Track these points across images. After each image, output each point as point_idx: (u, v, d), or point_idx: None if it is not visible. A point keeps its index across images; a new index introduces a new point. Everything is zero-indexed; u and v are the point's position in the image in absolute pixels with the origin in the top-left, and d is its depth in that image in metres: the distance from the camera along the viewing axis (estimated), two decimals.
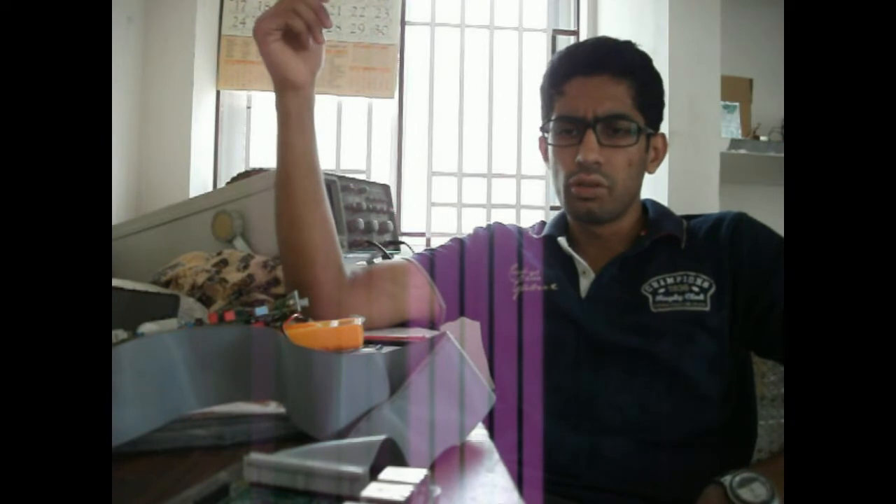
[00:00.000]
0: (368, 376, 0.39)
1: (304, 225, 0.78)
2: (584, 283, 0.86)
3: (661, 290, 0.81)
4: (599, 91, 0.83)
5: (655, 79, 0.88)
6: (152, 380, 0.36)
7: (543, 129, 0.90)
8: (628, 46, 0.87)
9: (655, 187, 1.57)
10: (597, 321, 0.82)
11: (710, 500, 0.66)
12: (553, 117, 0.86)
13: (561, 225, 0.93)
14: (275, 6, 0.73)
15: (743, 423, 0.84)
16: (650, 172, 0.90)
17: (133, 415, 0.34)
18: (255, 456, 0.29)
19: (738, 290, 0.80)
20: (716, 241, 0.83)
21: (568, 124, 0.84)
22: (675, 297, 0.80)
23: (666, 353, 0.78)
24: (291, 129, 0.77)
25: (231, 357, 0.39)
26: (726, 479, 0.65)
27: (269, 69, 0.76)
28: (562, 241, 0.89)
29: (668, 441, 0.77)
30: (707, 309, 0.79)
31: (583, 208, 0.84)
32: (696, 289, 0.80)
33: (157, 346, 0.37)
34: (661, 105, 0.89)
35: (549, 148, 0.88)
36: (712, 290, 0.80)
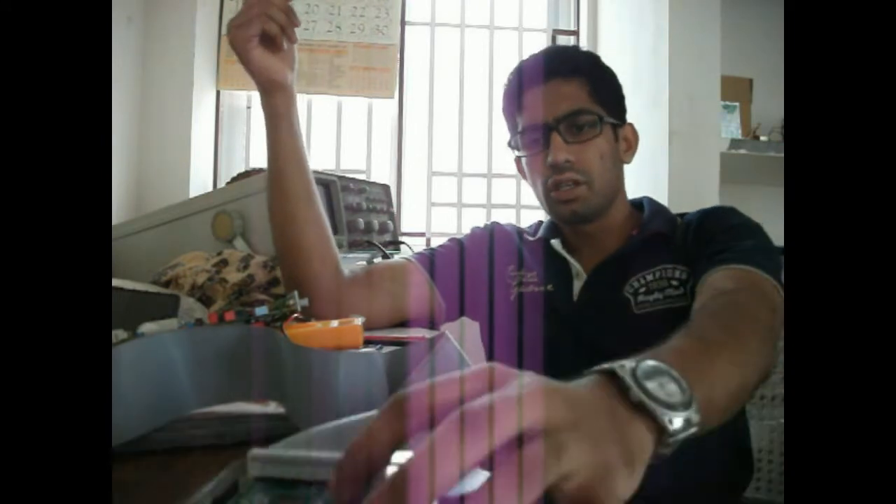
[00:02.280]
0: (368, 374, 0.39)
1: (298, 221, 0.79)
2: (577, 286, 0.86)
3: (642, 290, 0.81)
4: (554, 94, 0.86)
5: (608, 73, 0.90)
6: (153, 380, 0.36)
7: (513, 147, 0.92)
8: (573, 49, 0.93)
9: (656, 187, 1.57)
10: (589, 325, 0.82)
11: (595, 394, 0.34)
12: (518, 131, 0.89)
13: (554, 227, 0.93)
14: (244, 13, 0.75)
15: (738, 424, 0.84)
16: (626, 162, 0.91)
17: (134, 414, 0.34)
18: (258, 451, 0.29)
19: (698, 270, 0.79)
20: (688, 231, 0.84)
21: (533, 133, 0.87)
22: (656, 295, 0.80)
23: None
24: (282, 128, 0.79)
25: (231, 357, 0.39)
26: (625, 367, 0.35)
27: (253, 75, 0.77)
28: (555, 243, 0.90)
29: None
30: (688, 302, 0.79)
31: (566, 211, 0.86)
32: (675, 282, 0.80)
33: (157, 346, 0.37)
34: (619, 98, 0.91)
35: (523, 161, 0.90)
36: (691, 282, 0.80)
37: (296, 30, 0.78)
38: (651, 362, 0.36)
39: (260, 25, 0.74)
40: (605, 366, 0.36)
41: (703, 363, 0.44)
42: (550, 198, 0.86)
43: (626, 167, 0.92)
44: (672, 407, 0.34)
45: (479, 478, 0.25)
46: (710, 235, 0.80)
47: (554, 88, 0.86)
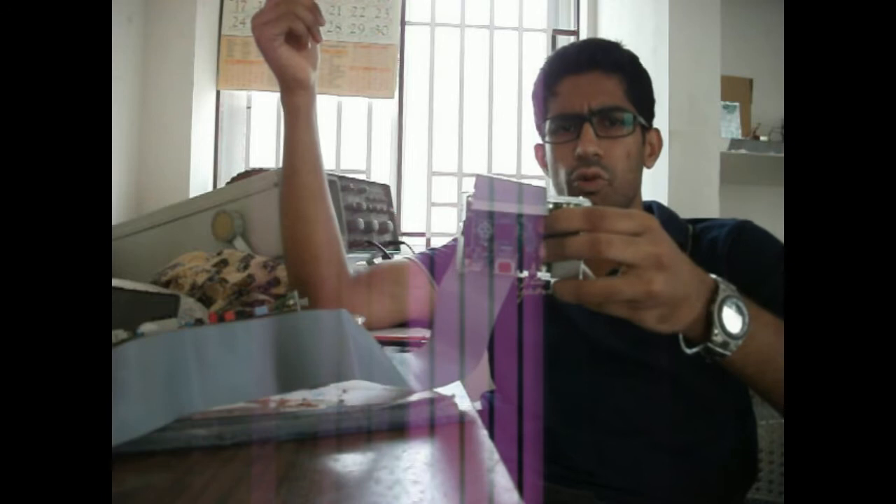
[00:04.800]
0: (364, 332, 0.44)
1: (309, 220, 0.80)
2: None
3: None
4: (593, 86, 0.84)
5: (644, 75, 0.89)
6: (159, 378, 0.36)
7: (539, 130, 0.90)
8: (616, 45, 0.90)
9: (655, 187, 1.57)
10: (597, 328, 0.81)
11: (703, 280, 0.54)
12: (549, 117, 0.87)
13: None
14: (270, 11, 0.75)
15: (745, 427, 0.84)
16: (647, 167, 0.90)
17: (138, 413, 0.34)
18: None
19: None
20: (715, 249, 0.82)
21: (564, 121, 0.85)
22: None
23: (666, 363, 0.77)
24: (300, 126, 0.79)
25: (242, 351, 0.39)
26: (730, 286, 0.54)
27: (277, 72, 0.78)
28: None
29: (671, 444, 0.77)
30: None
31: None
32: None
33: (164, 344, 0.37)
34: (651, 101, 0.90)
35: (547, 147, 0.88)
36: None
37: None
38: (740, 303, 0.53)
39: (287, 23, 0.74)
40: (714, 276, 0.54)
41: (775, 334, 0.56)
42: (572, 187, 0.85)
43: None
44: (726, 332, 0.52)
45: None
46: (750, 259, 0.79)
47: (593, 80, 0.85)
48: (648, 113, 0.89)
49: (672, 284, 0.48)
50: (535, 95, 0.91)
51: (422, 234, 1.93)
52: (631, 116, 0.84)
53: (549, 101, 0.88)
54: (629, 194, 0.86)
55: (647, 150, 0.90)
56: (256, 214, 0.98)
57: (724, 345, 0.53)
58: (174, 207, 1.07)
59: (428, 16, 2.00)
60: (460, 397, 0.46)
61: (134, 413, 0.34)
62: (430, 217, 1.94)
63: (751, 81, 1.86)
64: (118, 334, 0.50)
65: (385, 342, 0.72)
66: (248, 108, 1.94)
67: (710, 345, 0.53)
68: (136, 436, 0.34)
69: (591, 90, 0.84)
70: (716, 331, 0.52)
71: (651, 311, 0.49)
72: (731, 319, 0.53)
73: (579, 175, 0.83)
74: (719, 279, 0.54)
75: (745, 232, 0.83)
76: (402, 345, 0.72)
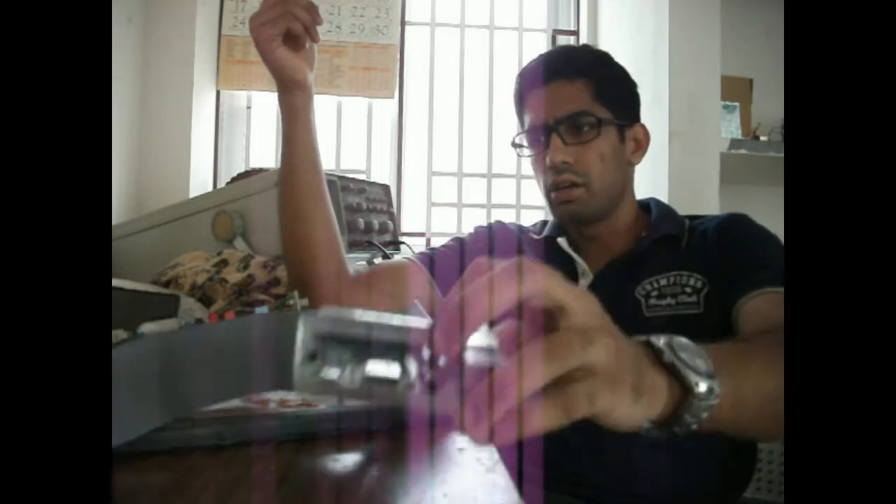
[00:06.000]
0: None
1: (307, 219, 0.80)
2: (583, 285, 0.85)
3: (654, 293, 0.80)
4: (556, 95, 0.85)
5: (617, 73, 0.90)
6: (159, 378, 0.36)
7: (517, 146, 0.92)
8: (580, 49, 0.91)
9: (655, 187, 1.57)
10: None
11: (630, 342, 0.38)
12: (522, 132, 0.90)
13: (560, 227, 0.93)
14: (268, 11, 0.75)
15: None
16: (634, 163, 0.90)
17: (138, 413, 0.34)
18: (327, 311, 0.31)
19: (723, 284, 0.79)
20: (706, 239, 0.83)
21: (535, 133, 0.87)
22: (668, 300, 0.80)
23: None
24: (298, 125, 0.80)
25: (235, 350, 0.39)
26: (659, 338, 0.40)
27: (274, 73, 0.78)
28: (561, 241, 0.89)
29: (670, 443, 0.76)
30: (700, 310, 0.78)
31: (565, 212, 0.86)
32: (688, 289, 0.80)
33: (164, 344, 0.37)
34: (628, 97, 0.90)
35: (530, 160, 0.90)
36: (705, 290, 0.79)
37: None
38: (684, 340, 0.39)
39: (285, 24, 0.75)
40: (640, 338, 0.39)
41: (736, 361, 0.44)
42: (551, 198, 0.87)
43: None
44: (699, 373, 0.38)
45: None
46: (737, 250, 0.79)
47: (556, 90, 0.86)
48: (627, 110, 0.89)
49: (609, 349, 0.33)
50: (515, 111, 0.94)
51: (422, 234, 1.93)
52: (597, 119, 0.84)
53: (522, 116, 0.91)
54: (612, 196, 0.86)
55: (632, 147, 0.89)
56: (256, 214, 0.98)
57: (710, 391, 0.39)
58: (174, 207, 1.07)
59: (428, 16, 2.00)
60: None
61: (134, 413, 0.34)
62: (430, 217, 1.94)
63: (751, 81, 1.86)
64: (118, 334, 0.50)
65: None
66: (248, 108, 1.94)
67: (695, 400, 0.39)
68: (136, 436, 0.34)
69: (555, 100, 0.85)
70: (693, 377, 0.38)
71: (612, 389, 0.33)
72: (690, 361, 0.39)
73: (553, 185, 0.85)
74: (642, 340, 0.40)
75: (734, 222, 0.84)
76: None
